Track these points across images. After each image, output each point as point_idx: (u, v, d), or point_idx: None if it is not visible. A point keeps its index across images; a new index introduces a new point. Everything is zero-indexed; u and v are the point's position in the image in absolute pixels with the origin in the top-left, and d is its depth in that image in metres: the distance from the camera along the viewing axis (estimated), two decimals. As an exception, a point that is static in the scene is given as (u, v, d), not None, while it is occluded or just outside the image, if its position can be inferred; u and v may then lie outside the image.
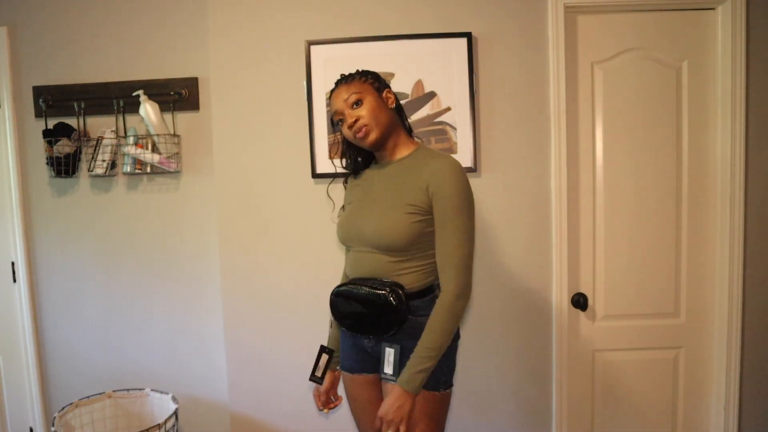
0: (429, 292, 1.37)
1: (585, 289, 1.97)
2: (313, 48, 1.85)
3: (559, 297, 1.91)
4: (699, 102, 1.93)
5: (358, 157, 1.52)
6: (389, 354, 1.35)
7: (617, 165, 1.94)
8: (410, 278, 1.35)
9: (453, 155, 1.88)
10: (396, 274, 1.35)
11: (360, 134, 1.36)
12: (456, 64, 1.86)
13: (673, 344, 2.00)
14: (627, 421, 2.02)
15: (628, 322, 1.99)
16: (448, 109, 1.87)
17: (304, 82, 1.87)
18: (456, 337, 1.37)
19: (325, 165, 1.88)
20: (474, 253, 1.33)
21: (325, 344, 1.61)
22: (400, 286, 1.34)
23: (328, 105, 1.45)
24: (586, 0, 1.86)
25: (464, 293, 1.30)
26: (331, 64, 1.84)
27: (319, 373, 1.56)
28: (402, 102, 1.87)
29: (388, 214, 1.35)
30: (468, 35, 1.85)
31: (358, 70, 1.44)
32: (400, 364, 1.33)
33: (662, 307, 1.98)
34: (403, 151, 1.42)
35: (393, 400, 1.28)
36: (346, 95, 1.37)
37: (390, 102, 1.41)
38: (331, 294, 1.44)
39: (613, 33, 1.92)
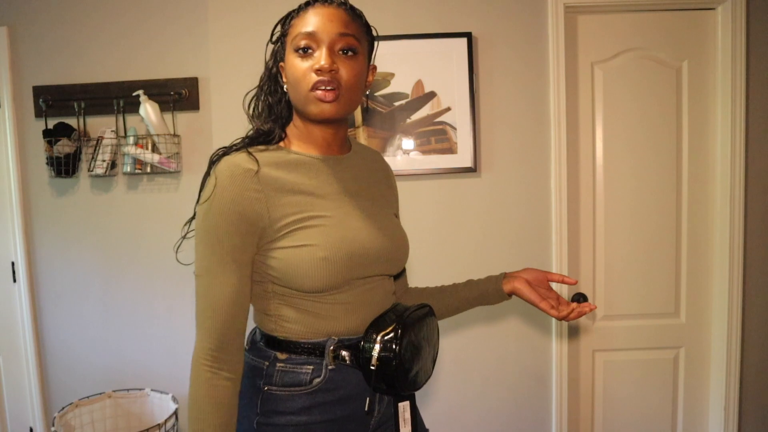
0: None
1: (585, 289, 1.97)
2: (313, 48, 1.85)
3: (559, 297, 1.91)
4: (699, 102, 1.93)
5: (275, 120, 1.01)
6: (404, 410, 1.00)
7: (617, 165, 1.94)
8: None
9: (453, 155, 1.89)
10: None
11: (324, 95, 0.88)
12: (456, 64, 1.86)
13: (673, 344, 2.00)
14: (627, 421, 2.02)
15: (628, 322, 1.99)
16: (448, 109, 1.87)
17: (304, 82, 1.87)
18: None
19: (325, 165, 1.88)
20: None
21: None
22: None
23: (279, 34, 0.97)
24: (586, 0, 1.86)
25: None
26: (331, 64, 1.84)
27: None
28: (402, 102, 1.88)
29: (394, 223, 1.04)
30: (468, 35, 1.85)
31: (357, 9, 0.96)
32: (414, 417, 1.01)
33: (662, 307, 1.98)
34: (346, 143, 1.05)
35: None
36: (341, 28, 0.90)
37: (368, 83, 1.00)
38: (380, 351, 0.92)
39: (613, 33, 1.92)
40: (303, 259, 0.88)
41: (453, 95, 1.87)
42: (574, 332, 1.97)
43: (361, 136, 1.88)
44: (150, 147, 1.98)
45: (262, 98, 1.02)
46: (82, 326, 2.13)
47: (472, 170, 1.88)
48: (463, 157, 1.87)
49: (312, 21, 0.90)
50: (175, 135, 2.02)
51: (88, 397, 1.96)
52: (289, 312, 0.94)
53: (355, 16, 0.94)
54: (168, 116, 2.01)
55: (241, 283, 0.90)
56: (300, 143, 0.98)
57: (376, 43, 1.00)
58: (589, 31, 1.92)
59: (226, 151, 0.95)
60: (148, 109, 1.93)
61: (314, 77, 0.88)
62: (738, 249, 1.91)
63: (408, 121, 1.87)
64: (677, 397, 2.02)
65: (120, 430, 1.98)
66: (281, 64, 0.98)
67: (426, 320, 1.00)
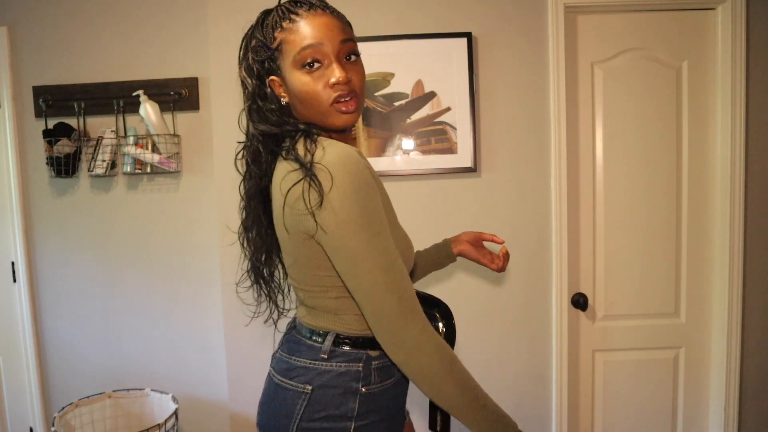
0: None
1: (585, 289, 1.97)
2: (313, 48, 1.85)
3: (559, 297, 1.91)
4: (699, 102, 1.93)
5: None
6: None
7: (617, 165, 1.94)
8: None
9: (452, 156, 1.89)
10: None
11: (348, 107, 0.90)
12: (456, 64, 1.86)
13: (673, 344, 2.00)
14: (627, 421, 2.02)
15: (628, 322, 1.99)
16: (448, 109, 1.87)
17: (304, 82, 1.87)
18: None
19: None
20: None
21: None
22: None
23: (267, 39, 0.94)
24: (586, 0, 1.86)
25: None
26: (331, 64, 1.84)
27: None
28: (402, 102, 1.88)
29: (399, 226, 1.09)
30: (468, 35, 1.85)
31: (336, 9, 0.95)
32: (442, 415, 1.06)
33: (662, 307, 1.98)
34: None
35: None
36: (341, 34, 0.90)
37: None
38: (447, 328, 1.05)
39: (613, 33, 1.92)
40: None
41: (453, 95, 1.87)
42: (574, 332, 1.97)
43: (361, 137, 1.88)
44: (150, 147, 1.99)
45: (259, 113, 0.95)
46: (82, 326, 2.13)
47: (472, 170, 1.88)
48: (463, 157, 1.87)
49: (310, 33, 0.88)
50: (175, 135, 2.02)
51: (88, 397, 1.96)
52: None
53: (341, 16, 0.93)
54: (168, 116, 2.01)
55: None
56: None
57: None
58: (589, 31, 1.92)
59: (301, 163, 0.87)
60: (148, 109, 1.93)
61: (332, 92, 0.89)
62: (738, 249, 1.90)
63: (408, 121, 1.87)
64: (677, 397, 2.02)
65: (120, 430, 1.98)
66: (272, 78, 0.94)
67: (435, 300, 1.12)
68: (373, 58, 1.82)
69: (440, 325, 1.02)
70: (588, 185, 1.95)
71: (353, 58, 0.91)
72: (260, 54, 0.94)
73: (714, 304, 1.98)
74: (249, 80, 0.96)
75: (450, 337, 1.04)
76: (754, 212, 1.92)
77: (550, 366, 1.95)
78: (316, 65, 0.89)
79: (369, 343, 0.94)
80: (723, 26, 1.88)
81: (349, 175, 0.83)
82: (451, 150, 1.87)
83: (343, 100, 0.89)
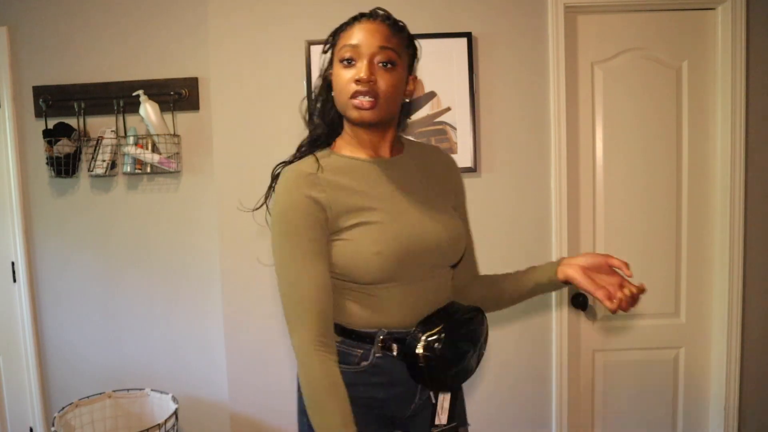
0: None
1: (585, 289, 1.97)
2: (313, 48, 1.85)
3: (559, 297, 1.91)
4: (699, 102, 1.93)
5: (328, 126, 1.10)
6: (443, 400, 1.06)
7: (617, 165, 1.94)
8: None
9: (453, 155, 1.89)
10: (450, 295, 1.11)
11: (363, 104, 0.97)
12: (456, 64, 1.86)
13: (673, 344, 2.00)
14: (627, 421, 2.02)
15: (628, 322, 1.99)
16: (448, 109, 1.87)
17: (304, 82, 1.87)
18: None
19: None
20: None
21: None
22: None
23: (329, 44, 1.06)
24: (586, 0, 1.86)
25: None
26: (331, 64, 1.84)
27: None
28: (402, 102, 1.88)
29: (449, 216, 1.09)
30: (468, 35, 1.85)
31: (400, 23, 1.05)
32: (452, 408, 1.09)
33: (662, 307, 1.98)
34: (397, 145, 1.12)
35: None
36: (383, 41, 0.98)
37: (408, 92, 1.08)
38: (423, 349, 1.00)
39: (613, 33, 1.92)
40: (359, 252, 0.97)
41: (453, 95, 1.87)
42: (574, 332, 1.97)
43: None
44: (150, 147, 1.99)
45: (316, 104, 1.10)
46: (82, 326, 2.13)
47: (472, 170, 1.88)
48: (463, 157, 1.87)
49: (356, 35, 0.99)
50: (175, 135, 2.02)
51: (88, 397, 1.96)
52: (348, 304, 1.04)
53: (397, 30, 1.03)
54: (168, 116, 2.01)
55: (326, 271, 0.99)
56: (350, 148, 1.07)
57: (418, 54, 1.09)
58: (589, 31, 1.92)
59: (287, 163, 1.08)
60: (148, 109, 1.93)
61: (354, 87, 0.97)
62: (738, 249, 1.90)
63: (408, 121, 1.87)
64: (677, 397, 2.02)
65: (120, 430, 1.98)
66: (330, 71, 1.05)
67: (474, 322, 1.07)
68: (373, 58, 1.82)
69: (423, 337, 1.00)
70: (588, 185, 1.95)
71: (389, 66, 0.99)
72: (324, 50, 1.08)
73: (714, 304, 1.98)
74: (321, 71, 1.10)
75: (428, 360, 0.99)
76: (754, 212, 1.92)
77: (550, 366, 1.95)
78: (352, 62, 0.99)
79: (336, 328, 1.04)
80: (723, 26, 1.88)
81: (283, 199, 1.00)
82: (451, 150, 1.87)
83: (360, 97, 0.97)
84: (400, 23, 1.05)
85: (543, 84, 1.88)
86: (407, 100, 1.09)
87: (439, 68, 1.86)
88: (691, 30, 1.92)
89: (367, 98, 0.97)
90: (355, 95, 0.98)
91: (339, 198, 0.99)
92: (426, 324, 1.02)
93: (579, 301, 1.94)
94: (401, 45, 1.02)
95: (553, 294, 1.92)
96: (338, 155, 1.06)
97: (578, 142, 1.94)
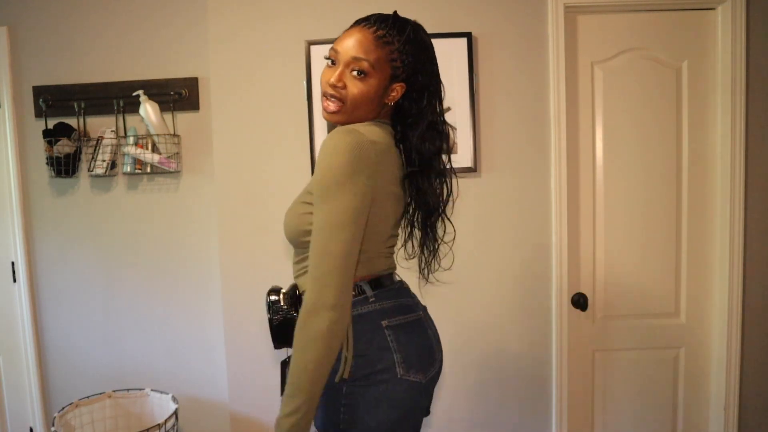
0: None
1: (585, 289, 1.97)
2: (313, 48, 1.85)
3: (559, 297, 1.91)
4: (699, 102, 1.93)
5: None
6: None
7: (617, 165, 1.94)
8: (302, 279, 1.12)
9: (452, 155, 1.89)
10: (297, 274, 1.14)
11: (327, 105, 1.06)
12: (456, 64, 1.86)
13: (673, 344, 2.00)
14: (627, 421, 2.02)
15: (628, 322, 1.99)
16: (448, 109, 1.87)
17: (304, 82, 1.87)
18: (336, 372, 1.02)
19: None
20: (345, 253, 0.95)
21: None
22: (294, 288, 1.13)
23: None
24: (586, 0, 1.86)
25: (316, 309, 0.94)
26: (331, 64, 1.84)
27: None
28: (402, 102, 1.87)
29: (293, 203, 1.12)
30: (468, 35, 1.85)
31: (400, 37, 1.05)
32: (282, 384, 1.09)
33: (662, 307, 1.98)
34: None
35: None
36: (360, 52, 1.02)
37: (390, 98, 1.09)
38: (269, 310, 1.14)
39: (613, 33, 1.92)
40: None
41: (453, 95, 1.87)
42: (574, 332, 1.97)
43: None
44: (150, 147, 1.99)
45: None
46: (82, 326, 2.13)
47: (472, 170, 1.88)
48: (463, 157, 1.87)
49: (342, 40, 1.05)
50: (175, 135, 2.02)
51: (88, 397, 1.96)
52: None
53: (384, 43, 1.03)
54: (168, 116, 2.01)
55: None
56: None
57: (409, 72, 1.07)
58: (589, 31, 1.92)
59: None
60: (148, 109, 1.93)
61: (327, 88, 1.05)
62: (738, 249, 1.90)
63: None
64: (677, 397, 2.02)
65: (120, 430, 1.98)
66: None
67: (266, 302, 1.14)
68: (373, 58, 1.82)
69: (273, 298, 1.12)
70: (588, 185, 1.95)
71: (361, 75, 1.03)
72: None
73: (714, 304, 1.98)
74: None
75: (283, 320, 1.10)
76: (754, 212, 1.92)
77: (550, 366, 1.95)
78: (333, 64, 1.06)
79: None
80: (723, 26, 1.88)
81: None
82: (451, 150, 1.87)
83: (328, 98, 1.06)
84: (393, 34, 1.04)
85: (543, 84, 1.88)
86: (390, 104, 1.10)
87: (439, 68, 1.85)
88: (691, 30, 1.92)
89: (332, 101, 1.05)
90: (325, 95, 1.06)
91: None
92: (274, 289, 1.16)
93: (579, 301, 1.94)
94: (384, 57, 1.03)
95: (553, 294, 1.92)
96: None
97: (578, 142, 1.94)
